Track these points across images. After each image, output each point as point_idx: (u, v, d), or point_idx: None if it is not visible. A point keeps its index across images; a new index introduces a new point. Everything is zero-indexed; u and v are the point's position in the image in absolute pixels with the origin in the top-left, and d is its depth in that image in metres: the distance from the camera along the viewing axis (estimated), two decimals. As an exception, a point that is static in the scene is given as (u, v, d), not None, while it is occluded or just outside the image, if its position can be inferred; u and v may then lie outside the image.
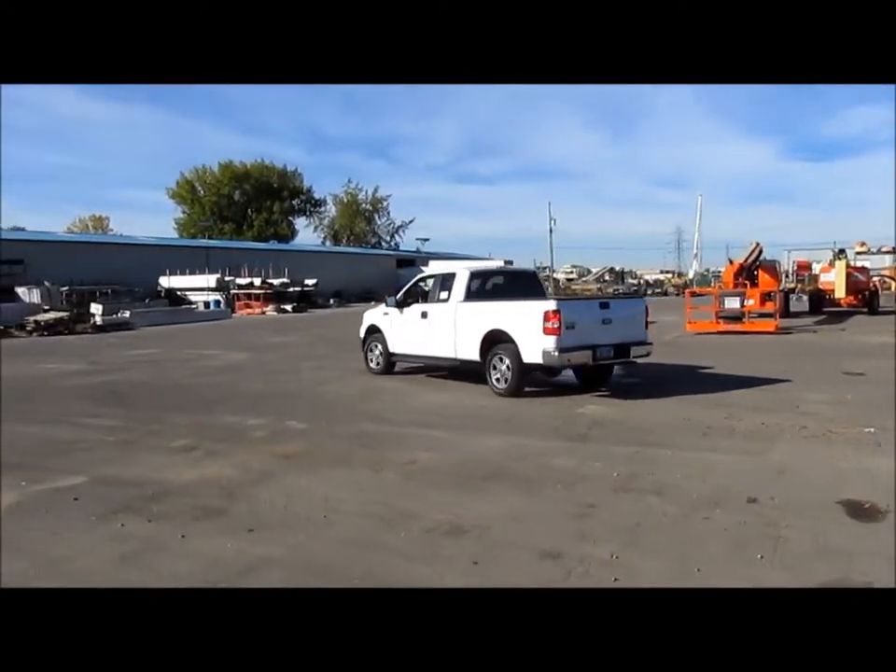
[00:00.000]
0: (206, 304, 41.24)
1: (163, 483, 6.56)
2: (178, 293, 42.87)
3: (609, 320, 10.91)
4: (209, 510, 5.78)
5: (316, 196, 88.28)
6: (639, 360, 11.47)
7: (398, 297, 13.32)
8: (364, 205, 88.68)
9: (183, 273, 44.98)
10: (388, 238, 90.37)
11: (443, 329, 12.13)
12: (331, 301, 51.35)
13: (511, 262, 59.45)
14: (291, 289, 46.84)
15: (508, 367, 10.91)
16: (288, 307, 43.16)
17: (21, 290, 34.72)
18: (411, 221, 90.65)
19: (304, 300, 46.27)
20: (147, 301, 38.31)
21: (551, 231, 63.86)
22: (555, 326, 10.37)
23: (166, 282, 44.25)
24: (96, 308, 32.13)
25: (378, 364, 13.70)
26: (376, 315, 14.03)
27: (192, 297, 42.63)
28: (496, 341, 11.15)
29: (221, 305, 41.22)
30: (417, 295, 13.26)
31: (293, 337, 24.31)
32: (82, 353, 19.96)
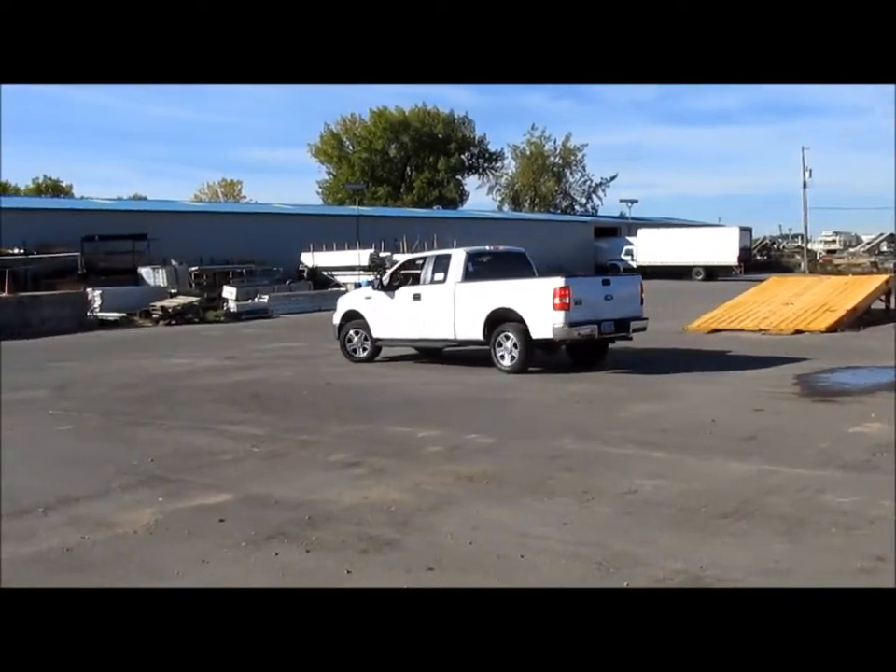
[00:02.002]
0: (357, 286, 42.80)
1: (321, 505, 6.90)
2: (324, 273, 44.82)
3: (611, 296, 14.28)
4: (378, 540, 6.02)
5: (491, 148, 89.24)
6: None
7: (382, 280, 16.13)
8: (552, 159, 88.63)
9: (329, 249, 46.95)
10: (584, 200, 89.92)
11: (440, 310, 14.91)
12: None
13: (749, 229, 57.63)
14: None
15: (514, 344, 13.85)
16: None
17: (144, 271, 37.61)
18: (612, 178, 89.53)
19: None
20: (287, 282, 40.37)
21: (804, 185, 61.05)
22: (565, 301, 13.42)
23: (309, 259, 46.36)
24: (229, 292, 34.25)
25: (364, 351, 16.33)
26: (354, 300, 16.83)
27: (340, 277, 44.42)
28: (500, 319, 14.06)
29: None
30: (404, 278, 15.93)
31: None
32: (216, 346, 21.38)
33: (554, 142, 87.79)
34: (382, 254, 47.02)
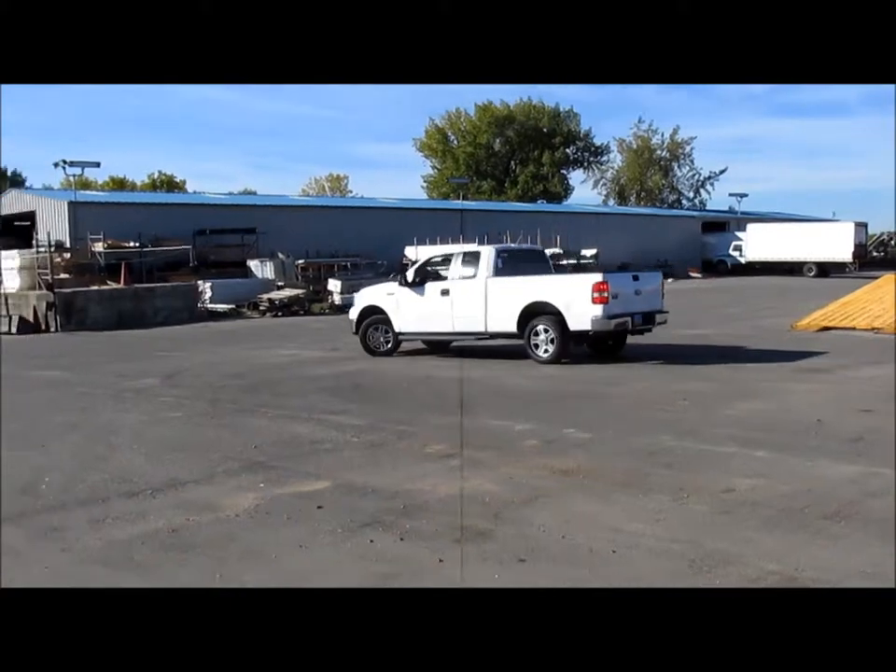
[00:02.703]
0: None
1: (417, 495, 7.02)
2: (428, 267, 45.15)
3: (640, 291, 15.44)
4: (471, 531, 6.10)
5: (597, 142, 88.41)
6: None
7: (407, 277, 16.65)
8: (659, 152, 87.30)
9: (433, 243, 47.29)
10: (691, 194, 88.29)
11: (471, 304, 15.72)
12: (615, 276, 51.32)
13: (864, 224, 55.72)
14: (565, 261, 47.43)
15: (551, 337, 14.82)
16: (561, 285, 43.74)
17: (253, 264, 38.56)
18: (722, 172, 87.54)
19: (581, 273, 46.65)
20: (391, 276, 40.75)
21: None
22: (604, 295, 14.54)
23: (413, 253, 46.75)
24: (334, 285, 34.82)
25: (386, 345, 16.83)
26: (374, 296, 17.32)
27: (444, 271, 44.71)
28: (535, 312, 15.04)
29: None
30: (429, 274, 16.59)
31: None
32: (321, 337, 21.80)
33: (662, 135, 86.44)
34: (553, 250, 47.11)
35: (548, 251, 47.34)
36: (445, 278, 16.43)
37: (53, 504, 7.13)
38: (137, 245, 36.61)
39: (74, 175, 39.73)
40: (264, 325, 27.78)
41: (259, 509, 6.79)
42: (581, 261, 48.65)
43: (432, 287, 16.36)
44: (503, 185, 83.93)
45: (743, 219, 64.31)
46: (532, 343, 15.10)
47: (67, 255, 35.20)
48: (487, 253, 16.16)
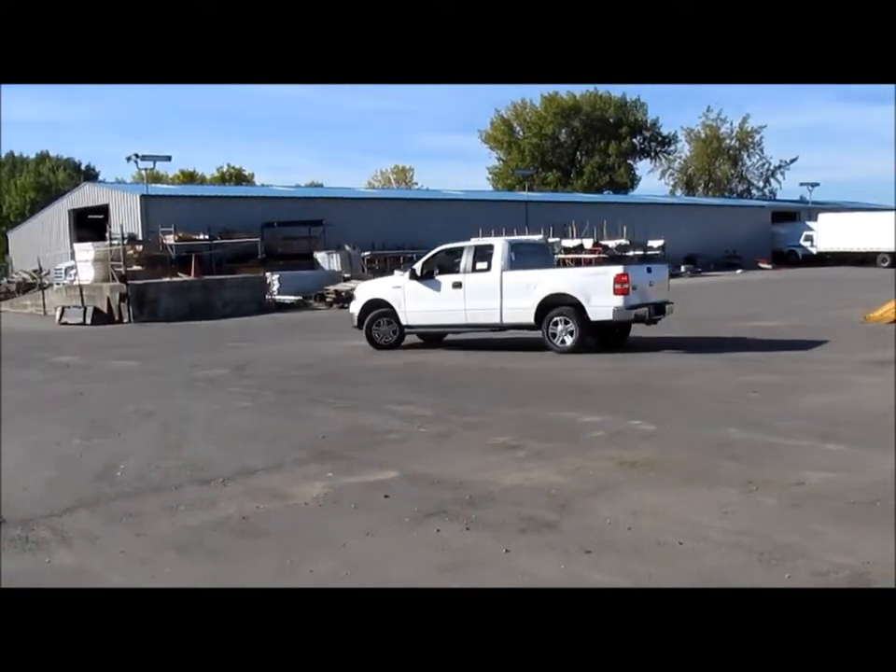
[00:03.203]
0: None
1: (482, 485, 7.05)
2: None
3: (652, 283, 16.13)
4: (537, 522, 6.11)
5: (664, 132, 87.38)
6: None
7: (415, 270, 16.80)
8: (728, 141, 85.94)
9: (498, 234, 47.24)
10: (761, 184, 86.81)
11: (486, 297, 15.98)
12: (682, 268, 50.71)
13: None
14: (631, 253, 47.07)
15: (570, 328, 15.31)
16: (627, 276, 43.41)
17: (319, 256, 38.93)
18: (792, 161, 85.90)
19: (647, 266, 46.22)
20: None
21: None
22: (625, 287, 15.15)
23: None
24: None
25: (393, 336, 16.96)
26: (379, 289, 17.53)
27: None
28: (553, 304, 15.49)
29: (543, 273, 42.63)
30: (437, 268, 16.71)
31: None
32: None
33: (731, 124, 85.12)
34: (551, 239, 46.95)
35: (613, 242, 47.40)
36: (455, 271, 16.58)
37: (128, 491, 7.32)
38: (207, 237, 37.20)
39: (146, 169, 40.43)
40: (331, 316, 28.05)
41: (327, 497, 6.88)
42: (648, 252, 48.19)
43: (443, 280, 16.52)
44: (569, 176, 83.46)
45: (814, 209, 63.06)
46: (550, 333, 15.52)
47: (139, 247, 35.90)
48: (501, 246, 16.38)
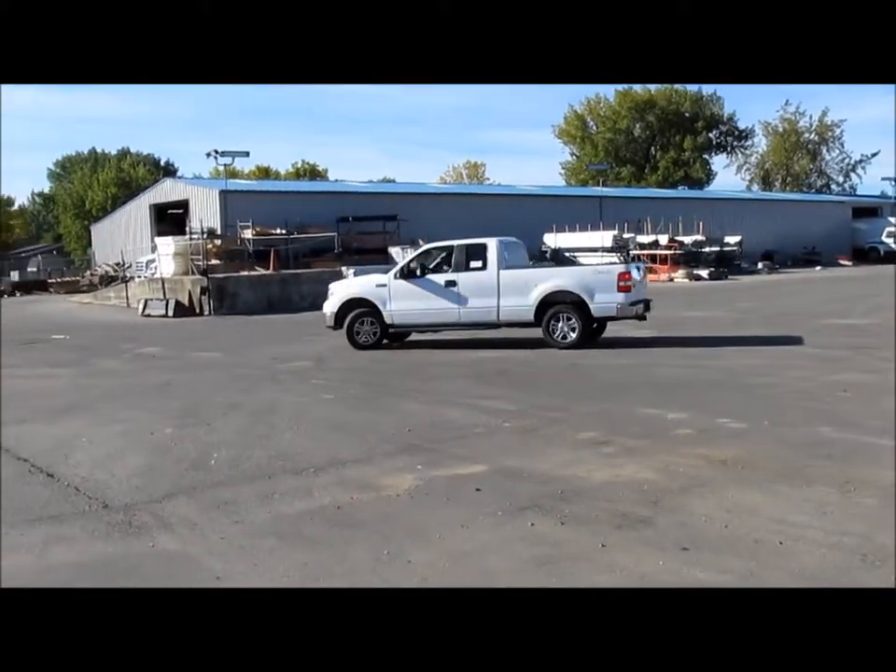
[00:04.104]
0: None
1: (573, 480, 7.05)
2: (566, 254, 44.90)
3: (642, 280, 16.97)
4: (631, 517, 6.09)
5: (741, 126, 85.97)
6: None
7: (402, 268, 16.79)
8: (807, 135, 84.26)
9: (572, 230, 47.01)
10: (841, 179, 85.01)
11: (482, 295, 16.19)
12: (759, 264, 49.89)
13: None
14: (707, 249, 46.46)
15: (572, 325, 15.68)
16: (703, 272, 42.91)
17: (394, 251, 39.07)
18: (874, 155, 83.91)
19: (723, 263, 45.62)
20: (531, 263, 40.71)
21: None
22: (628, 284, 15.80)
23: (552, 240, 46.60)
24: (474, 271, 34.99)
25: (373, 337, 16.69)
26: (359, 288, 17.16)
27: (583, 258, 44.36)
28: (553, 301, 15.83)
29: (618, 269, 42.28)
30: (425, 267, 16.76)
31: (712, 311, 24.18)
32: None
33: (810, 118, 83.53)
34: (625, 235, 46.57)
35: (688, 238, 46.77)
36: (444, 270, 16.63)
37: (223, 479, 7.47)
38: (284, 231, 37.67)
39: (225, 165, 41.04)
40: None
41: (418, 489, 6.95)
42: (725, 249, 47.51)
43: (434, 279, 16.54)
44: (643, 171, 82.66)
45: (897, 204, 61.49)
46: (550, 329, 15.83)
47: (218, 241, 36.52)
48: (495, 245, 16.44)
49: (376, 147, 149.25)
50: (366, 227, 41.26)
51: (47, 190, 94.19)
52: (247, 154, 42.14)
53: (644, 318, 16.79)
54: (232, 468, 7.83)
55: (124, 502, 6.88)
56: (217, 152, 39.75)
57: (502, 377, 12.80)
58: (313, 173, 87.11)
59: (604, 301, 15.73)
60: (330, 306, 17.26)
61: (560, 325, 15.80)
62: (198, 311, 29.39)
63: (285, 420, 9.87)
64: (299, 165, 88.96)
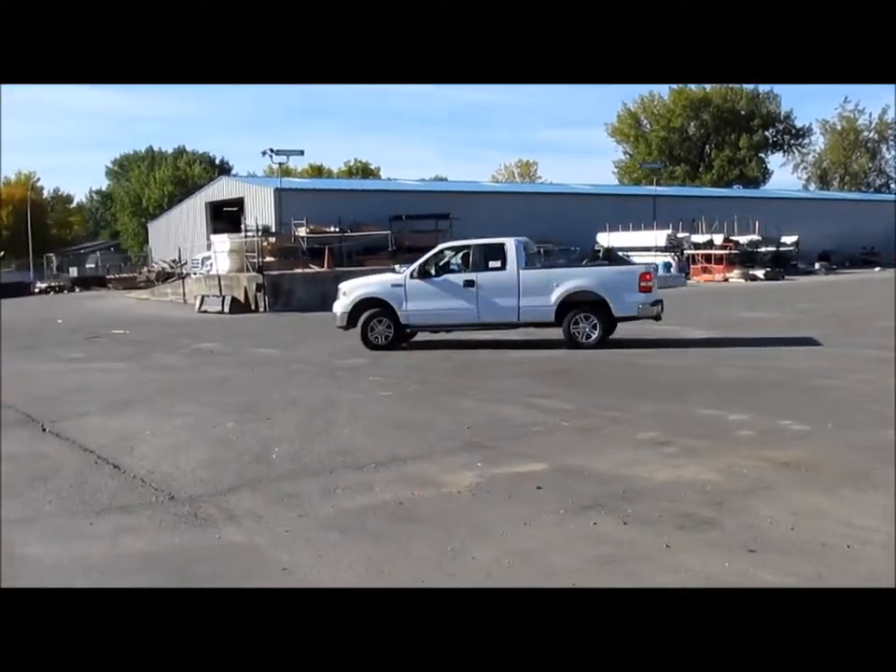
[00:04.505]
0: (654, 267, 42.22)
1: (634, 480, 7.02)
2: (619, 253, 44.61)
3: (657, 281, 17.46)
4: (695, 518, 6.05)
5: (798, 124, 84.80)
6: None
7: (418, 268, 16.68)
8: (866, 133, 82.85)
9: (625, 229, 46.74)
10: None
11: (502, 295, 16.26)
12: (816, 265, 49.17)
13: None
14: (762, 249, 45.90)
15: (594, 323, 15.88)
16: (759, 272, 42.40)
17: (445, 249, 39.25)
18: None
19: (779, 263, 45.04)
20: (584, 262, 40.53)
21: None
22: (649, 284, 16.17)
23: (605, 239, 46.38)
24: (527, 270, 34.95)
25: (386, 339, 16.57)
26: (374, 288, 17.00)
27: (636, 258, 44.04)
28: (574, 301, 16.01)
29: (672, 269, 41.99)
30: (441, 267, 16.86)
31: (770, 311, 23.92)
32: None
33: (869, 115, 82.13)
34: (679, 235, 46.21)
35: (744, 238, 46.24)
36: (461, 270, 16.81)
37: (285, 473, 7.56)
38: (337, 229, 37.93)
39: (279, 163, 41.41)
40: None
41: (479, 486, 6.97)
42: (781, 249, 46.90)
43: (452, 279, 16.59)
44: (697, 169, 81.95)
45: (959, 204, 60.22)
46: (572, 329, 15.97)
47: (273, 239, 36.89)
48: (513, 245, 16.46)
49: (429, 146, 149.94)
50: (418, 225, 41.40)
51: (105, 188, 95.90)
52: (302, 153, 42.55)
53: (660, 318, 16.82)
54: (294, 462, 7.92)
55: (190, 494, 6.99)
56: (272, 151, 40.16)
57: (558, 376, 12.77)
58: (365, 171, 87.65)
59: (625, 301, 15.96)
60: (342, 306, 17.13)
61: (581, 325, 15.94)
62: (253, 307, 29.71)
63: (343, 416, 9.95)
64: (351, 164, 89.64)
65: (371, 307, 16.79)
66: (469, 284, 16.42)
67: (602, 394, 11.12)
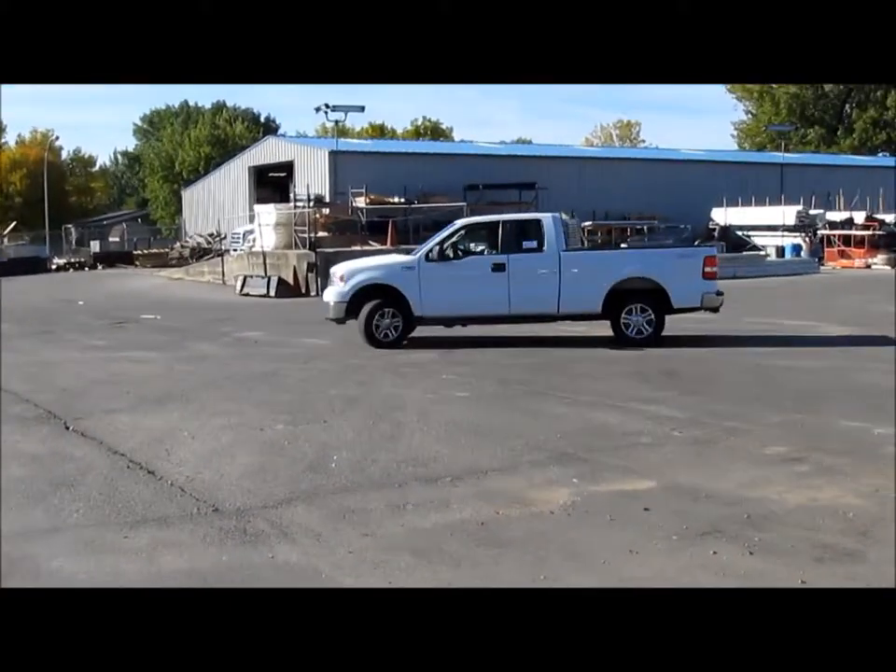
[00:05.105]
0: (780, 250, 41.83)
1: (761, 503, 6.99)
2: (738, 233, 44.18)
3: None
4: (835, 550, 6.02)
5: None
6: None
7: (434, 248, 16.34)
8: None
9: (746, 204, 46.18)
10: None
11: (538, 281, 15.92)
12: (980, 250, 47.97)
13: None
14: (913, 230, 44.90)
15: (649, 317, 15.65)
16: (908, 258, 41.54)
17: (532, 224, 39.20)
18: None
19: (934, 247, 44.04)
20: (695, 243, 40.19)
21: None
22: (714, 270, 16.07)
23: (721, 216, 45.89)
24: (628, 252, 34.80)
25: (395, 332, 16.16)
26: (380, 272, 16.63)
27: (758, 239, 43.60)
28: (626, 290, 15.73)
29: (803, 252, 41.43)
30: (462, 248, 16.68)
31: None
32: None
33: None
34: (812, 211, 45.47)
35: (890, 217, 45.34)
36: (488, 252, 16.61)
37: (346, 485, 7.68)
38: (402, 200, 38.14)
39: (335, 121, 41.78)
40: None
41: (575, 506, 7.00)
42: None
43: (477, 262, 16.45)
44: (835, 133, 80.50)
45: None
46: (623, 323, 15.75)
47: (327, 210, 37.24)
48: (551, 221, 16.28)
49: (511, 103, 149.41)
50: (499, 196, 41.47)
51: (132, 149, 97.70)
52: (362, 108, 42.92)
53: (718, 311, 16.65)
54: (356, 472, 8.03)
55: (236, 506, 7.14)
56: (327, 106, 40.55)
57: (668, 377, 12.73)
58: (435, 132, 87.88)
59: (687, 290, 15.81)
60: (338, 294, 16.50)
61: (633, 318, 15.75)
62: (303, 290, 30.06)
63: (412, 419, 10.05)
64: (419, 123, 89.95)
65: (377, 295, 16.21)
66: (499, 268, 16.11)
67: (720, 400, 11.07)
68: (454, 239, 16.77)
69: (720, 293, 16.13)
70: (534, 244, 16.22)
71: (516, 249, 16.28)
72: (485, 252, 16.75)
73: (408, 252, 18.24)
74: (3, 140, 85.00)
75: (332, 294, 16.71)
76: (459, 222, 17.71)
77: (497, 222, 17.06)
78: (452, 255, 16.47)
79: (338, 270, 17.20)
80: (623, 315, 15.71)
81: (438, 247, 16.46)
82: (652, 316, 15.68)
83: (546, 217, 16.65)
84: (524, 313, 16.34)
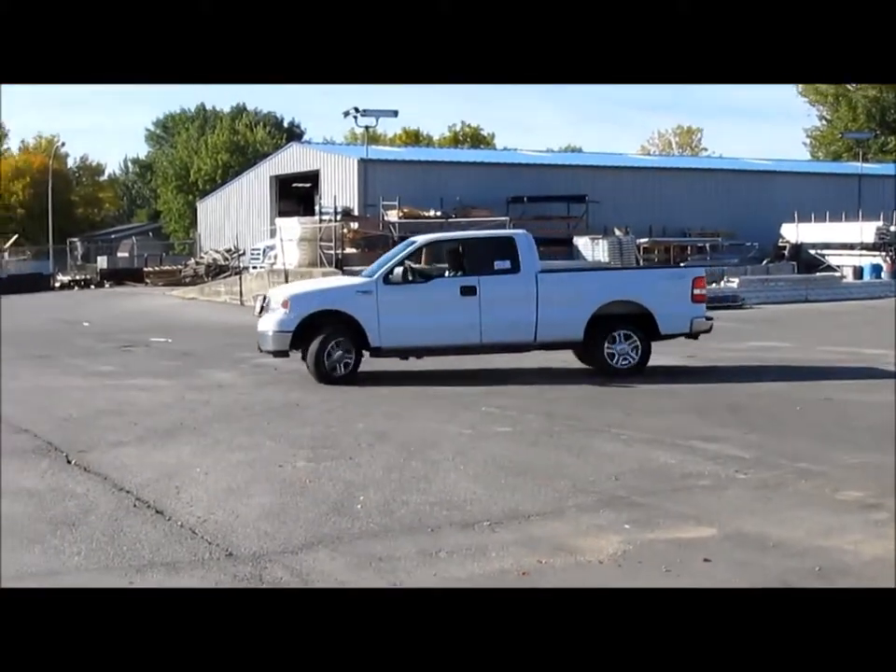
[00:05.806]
0: (857, 271, 41.54)
1: (834, 554, 6.95)
2: (811, 252, 43.96)
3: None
4: (917, 609, 5.94)
5: None
6: None
7: (393, 270, 15.80)
8: None
9: (820, 219, 45.93)
10: None
11: (512, 306, 15.81)
12: None
13: None
14: None
15: (635, 344, 15.65)
16: None
17: (580, 242, 39.24)
18: None
19: None
20: (764, 262, 40.09)
21: None
22: (704, 293, 16.43)
23: (792, 233, 45.66)
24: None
25: (346, 367, 15.53)
26: (330, 296, 16.29)
27: (833, 258, 43.34)
28: (610, 315, 15.77)
29: (883, 274, 41.13)
30: (425, 270, 16.94)
31: None
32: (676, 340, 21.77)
33: None
34: (893, 228, 45.11)
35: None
36: (453, 273, 16.30)
37: (374, 529, 7.69)
38: (439, 214, 38.23)
39: (366, 127, 42.00)
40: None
41: (627, 555, 6.97)
42: None
43: (443, 285, 16.16)
44: (919, 141, 79.90)
45: None
46: (608, 351, 15.69)
47: (356, 224, 37.38)
48: (525, 240, 16.23)
49: (558, 107, 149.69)
50: (545, 210, 41.64)
51: (143, 156, 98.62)
52: (395, 113, 43.11)
53: (708, 333, 16.89)
54: (384, 515, 8.04)
55: (252, 551, 7.16)
56: (356, 111, 40.74)
57: (731, 412, 12.67)
58: (475, 139, 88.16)
59: (675, 314, 15.99)
60: (281, 323, 15.73)
61: (618, 346, 15.71)
62: (329, 312, 30.09)
63: (447, 457, 10.06)
64: (457, 129, 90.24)
65: (328, 323, 15.62)
66: (469, 291, 15.73)
67: (789, 438, 11.02)
68: (414, 259, 16.68)
69: (709, 318, 16.46)
70: (507, 264, 15.93)
71: (488, 271, 15.98)
72: (451, 274, 16.45)
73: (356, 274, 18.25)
74: (5, 146, 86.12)
75: (272, 322, 15.95)
76: (420, 239, 17.23)
77: (465, 240, 17.00)
78: (411, 277, 16.01)
79: (278, 294, 16.71)
80: (604, 342, 15.68)
81: (397, 268, 15.89)
82: (638, 343, 15.71)
83: (519, 235, 16.59)
84: (496, 342, 16.05)
